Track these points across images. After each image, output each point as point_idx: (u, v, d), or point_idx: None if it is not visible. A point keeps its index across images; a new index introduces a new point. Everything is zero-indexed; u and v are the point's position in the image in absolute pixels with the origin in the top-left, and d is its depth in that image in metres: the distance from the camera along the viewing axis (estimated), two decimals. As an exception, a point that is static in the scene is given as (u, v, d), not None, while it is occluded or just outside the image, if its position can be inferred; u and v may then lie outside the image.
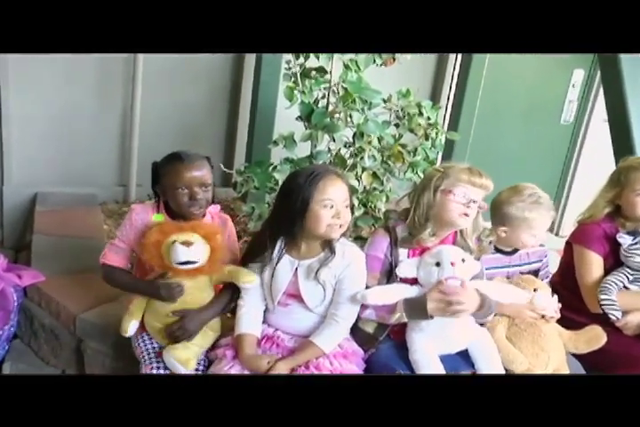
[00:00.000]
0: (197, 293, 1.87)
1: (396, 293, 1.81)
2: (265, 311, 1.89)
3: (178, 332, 1.81)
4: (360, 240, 2.45)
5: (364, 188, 2.60)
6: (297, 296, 1.82)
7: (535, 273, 2.17)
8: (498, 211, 2.06)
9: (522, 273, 2.13)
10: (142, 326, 1.92)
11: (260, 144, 3.25)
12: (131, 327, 1.88)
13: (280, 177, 2.39)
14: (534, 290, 1.99)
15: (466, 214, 1.81)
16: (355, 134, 2.48)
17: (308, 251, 1.81)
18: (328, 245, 1.80)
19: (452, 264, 1.78)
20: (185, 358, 1.75)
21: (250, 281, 1.83)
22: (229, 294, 1.91)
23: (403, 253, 1.89)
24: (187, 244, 1.78)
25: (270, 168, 2.49)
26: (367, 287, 1.82)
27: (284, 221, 1.76)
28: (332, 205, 1.71)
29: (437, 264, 1.80)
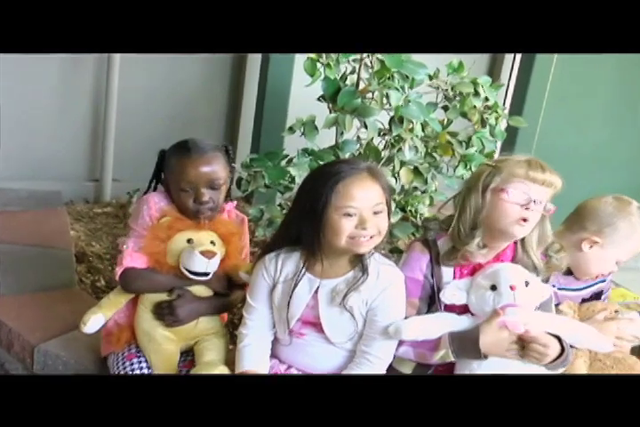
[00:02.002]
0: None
1: (440, 325, 1.81)
2: (274, 342, 1.92)
3: (166, 310, 1.94)
4: (397, 254, 2.48)
5: (402, 187, 2.62)
6: (316, 325, 1.84)
7: (597, 297, 2.20)
8: (597, 218, 2.10)
9: (584, 300, 2.16)
10: (127, 350, 2.01)
11: (270, 131, 3.29)
12: (92, 321, 1.95)
13: (297, 173, 2.43)
14: (615, 312, 2.03)
15: (524, 220, 1.81)
16: (392, 119, 2.49)
17: (332, 268, 1.83)
18: (359, 262, 1.82)
19: (511, 288, 1.77)
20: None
21: (248, 272, 1.97)
22: (231, 292, 2.03)
23: (447, 272, 1.90)
24: (209, 255, 1.89)
25: (284, 161, 2.51)
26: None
27: (299, 231, 1.79)
28: (355, 212, 1.72)
29: (493, 288, 1.80)
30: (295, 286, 1.82)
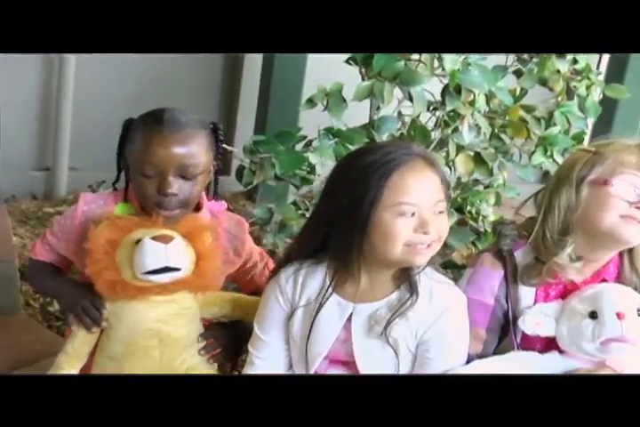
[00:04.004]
0: (179, 321, 1.96)
1: (515, 371, 1.80)
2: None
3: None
4: (452, 269, 2.47)
5: (459, 180, 2.64)
6: (348, 364, 1.83)
7: None
8: None
9: None
10: None
11: (281, 105, 3.32)
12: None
13: (318, 160, 2.42)
14: None
15: (634, 219, 1.80)
16: (446, 89, 2.50)
17: (370, 288, 1.81)
18: (405, 279, 1.80)
19: (618, 316, 1.76)
20: None
21: None
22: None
23: (527, 294, 1.90)
24: (163, 239, 1.83)
25: (301, 145, 2.52)
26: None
27: (328, 237, 1.78)
28: (414, 211, 1.71)
29: (593, 315, 1.79)
30: (318, 310, 1.81)
